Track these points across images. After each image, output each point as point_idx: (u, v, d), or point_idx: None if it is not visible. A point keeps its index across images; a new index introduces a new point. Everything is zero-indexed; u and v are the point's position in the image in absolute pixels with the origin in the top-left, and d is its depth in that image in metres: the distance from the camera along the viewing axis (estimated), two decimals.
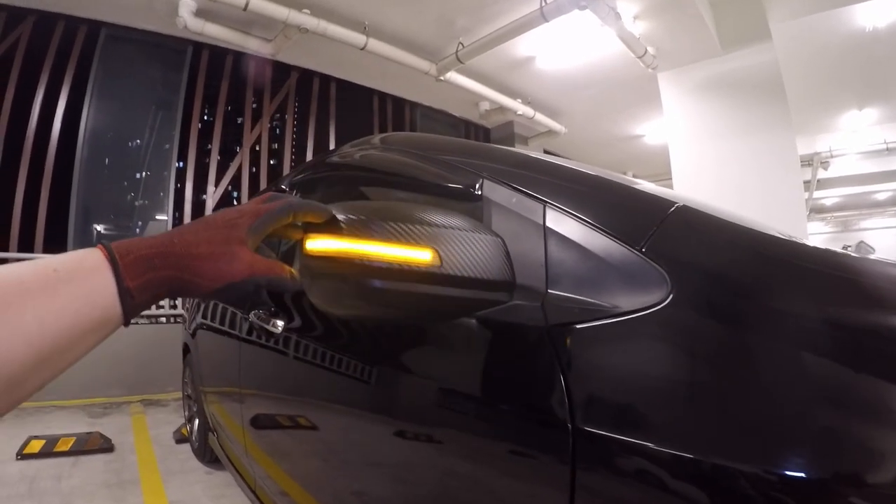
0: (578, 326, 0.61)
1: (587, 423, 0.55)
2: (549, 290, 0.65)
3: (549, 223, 0.69)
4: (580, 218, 0.68)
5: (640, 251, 0.61)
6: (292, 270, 0.52)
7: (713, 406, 0.50)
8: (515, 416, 0.64)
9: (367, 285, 0.55)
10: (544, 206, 0.71)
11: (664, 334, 0.55)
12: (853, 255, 0.62)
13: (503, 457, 0.66)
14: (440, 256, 0.58)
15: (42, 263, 0.41)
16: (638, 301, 0.58)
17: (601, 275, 0.62)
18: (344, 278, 0.56)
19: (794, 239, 0.64)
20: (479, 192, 0.81)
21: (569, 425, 0.56)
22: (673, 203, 0.67)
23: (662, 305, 0.56)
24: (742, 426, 0.47)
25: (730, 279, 0.57)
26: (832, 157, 10.88)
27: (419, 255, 0.56)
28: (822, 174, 11.18)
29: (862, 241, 1.15)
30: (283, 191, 1.80)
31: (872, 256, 0.71)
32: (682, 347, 0.55)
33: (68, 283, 0.40)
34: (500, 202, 0.77)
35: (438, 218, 0.61)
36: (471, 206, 0.80)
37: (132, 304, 0.44)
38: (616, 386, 0.56)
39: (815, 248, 0.61)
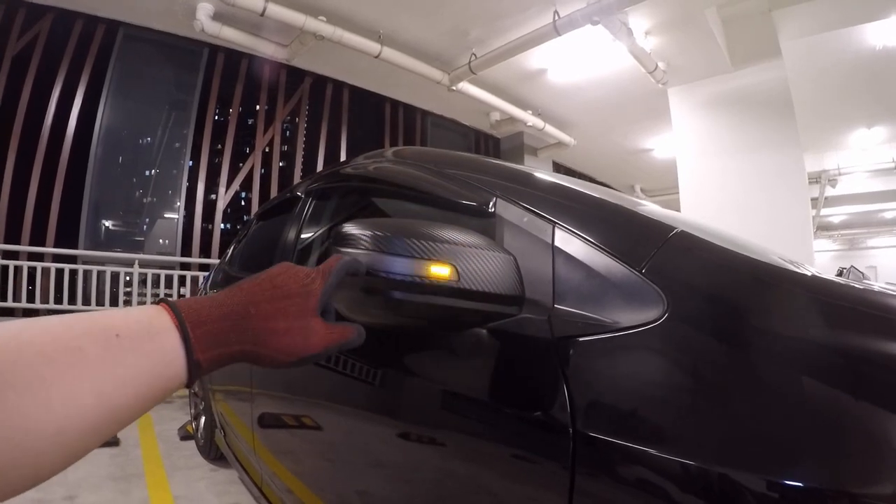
0: (582, 339, 0.65)
1: (587, 427, 0.60)
2: (556, 305, 0.69)
3: (557, 242, 0.74)
4: (586, 239, 0.73)
5: (641, 272, 0.66)
6: (360, 328, 0.53)
7: (703, 414, 0.55)
8: (521, 420, 0.68)
9: (389, 296, 0.60)
10: (553, 227, 0.76)
11: (660, 349, 0.60)
12: (835, 279, 0.67)
13: (506, 460, 0.70)
14: (458, 272, 0.62)
15: (102, 324, 0.38)
16: (636, 317, 0.63)
17: (604, 292, 0.67)
18: (368, 289, 0.61)
19: (781, 265, 0.69)
20: (493, 210, 0.86)
21: (570, 429, 0.61)
22: (673, 228, 0.73)
23: (659, 322, 0.61)
24: (728, 433, 0.52)
25: (720, 300, 0.62)
26: (840, 174, 10.87)
27: (439, 270, 0.61)
28: (829, 192, 11.16)
29: (853, 266, 1.20)
30: (299, 198, 1.85)
31: (858, 281, 0.76)
32: (676, 361, 0.60)
33: (132, 353, 0.38)
34: (512, 221, 0.82)
35: (457, 236, 0.66)
36: (485, 223, 0.85)
37: (198, 373, 0.42)
38: (614, 395, 0.61)
39: (800, 274, 0.66)
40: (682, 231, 0.72)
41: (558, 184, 0.93)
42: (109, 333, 0.37)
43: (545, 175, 1.01)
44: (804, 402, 0.51)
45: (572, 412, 0.62)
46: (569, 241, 0.74)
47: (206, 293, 2.86)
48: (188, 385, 0.42)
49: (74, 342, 0.36)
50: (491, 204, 0.87)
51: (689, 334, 0.60)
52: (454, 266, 0.62)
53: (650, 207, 1.04)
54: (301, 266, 0.53)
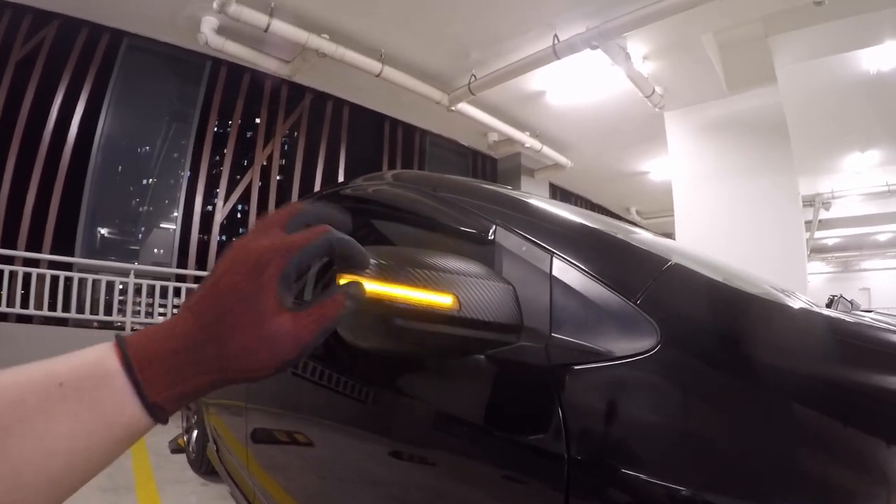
0: (577, 367, 0.67)
1: (581, 453, 0.62)
2: (553, 334, 0.71)
3: (555, 272, 0.76)
4: (583, 269, 0.75)
5: (636, 303, 0.68)
6: (353, 289, 0.44)
7: (694, 441, 0.57)
8: (516, 445, 0.70)
9: (392, 323, 0.62)
10: (551, 257, 0.78)
11: (652, 378, 0.62)
12: (822, 311, 0.70)
13: (502, 484, 0.72)
14: (459, 301, 0.64)
15: (44, 373, 0.35)
16: (630, 347, 0.65)
17: (600, 322, 0.69)
18: (372, 316, 0.63)
19: (771, 296, 0.72)
20: (492, 238, 0.88)
21: (564, 455, 0.62)
22: (667, 260, 0.75)
23: (652, 353, 0.63)
24: (719, 460, 0.54)
25: (710, 331, 0.65)
26: (834, 197, 10.99)
27: (440, 300, 0.63)
28: (823, 214, 11.26)
29: (841, 295, 1.23)
30: None
31: (840, 312, 0.79)
32: (667, 390, 0.62)
33: (78, 403, 0.34)
34: (511, 249, 0.84)
35: (459, 265, 0.67)
36: (484, 250, 0.87)
37: (164, 414, 0.38)
38: (608, 422, 0.63)
39: (787, 306, 0.68)
40: (676, 264, 0.74)
41: (557, 213, 0.96)
42: (51, 383, 0.34)
43: (544, 203, 1.03)
44: (792, 430, 0.53)
45: (567, 438, 0.63)
46: (566, 272, 0.76)
47: None
48: (162, 423, 0.39)
49: (17, 395, 0.33)
50: (490, 232, 0.89)
51: (680, 364, 0.62)
52: (455, 295, 0.64)
53: (646, 238, 1.07)
54: (255, 243, 0.42)
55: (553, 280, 0.76)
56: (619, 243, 0.85)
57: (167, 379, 0.37)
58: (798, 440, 0.52)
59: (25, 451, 0.32)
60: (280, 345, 0.39)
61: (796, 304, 0.74)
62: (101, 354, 0.37)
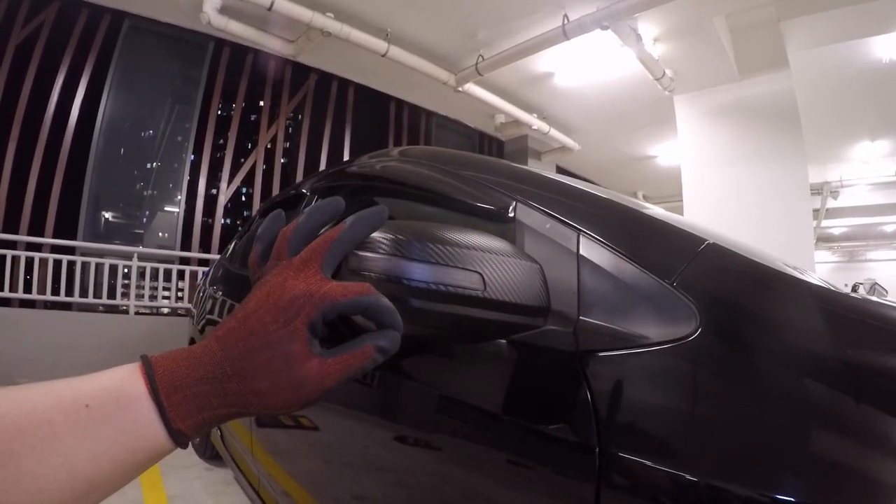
0: (608, 354, 0.62)
1: (613, 446, 0.57)
2: (581, 317, 0.66)
3: (582, 251, 0.71)
4: (613, 248, 0.70)
5: (672, 285, 0.63)
6: (379, 347, 0.43)
7: (735, 436, 0.52)
8: (543, 436, 0.65)
9: (408, 304, 0.57)
10: (578, 235, 0.73)
11: (691, 366, 0.57)
12: (868, 298, 0.64)
13: (526, 475, 0.67)
14: (484, 280, 0.59)
15: (72, 395, 0.36)
16: (667, 332, 0.59)
17: (632, 305, 0.64)
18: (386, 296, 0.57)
19: (813, 280, 0.67)
20: (512, 215, 0.82)
21: (596, 448, 0.58)
22: (704, 240, 0.70)
23: (692, 338, 0.58)
24: (763, 456, 0.49)
25: (756, 316, 0.59)
26: (842, 186, 10.92)
27: (463, 278, 0.58)
28: (831, 203, 11.21)
29: (876, 283, 1.17)
30: (304, 195, 1.81)
31: (885, 299, 0.74)
32: (708, 379, 0.57)
33: (103, 425, 0.35)
34: (534, 227, 0.78)
35: (482, 241, 0.62)
36: (503, 227, 0.82)
37: (186, 440, 0.39)
38: (644, 413, 0.58)
39: (833, 291, 0.63)
40: (714, 243, 0.69)
41: (583, 190, 0.90)
42: (79, 404, 0.35)
43: (568, 181, 0.98)
44: (849, 422, 0.49)
45: (598, 429, 0.59)
46: (595, 250, 0.70)
47: (205, 290, 2.83)
48: (183, 447, 0.40)
49: (45, 414, 0.34)
50: (510, 209, 0.84)
51: (723, 351, 0.57)
52: (480, 274, 0.59)
53: (676, 217, 1.01)
54: (290, 283, 0.42)
55: (581, 259, 0.70)
56: (651, 221, 0.79)
57: (191, 406, 0.38)
58: (852, 435, 0.48)
59: (52, 469, 0.33)
60: (306, 387, 0.40)
61: (844, 290, 0.69)
62: (125, 378, 0.38)
